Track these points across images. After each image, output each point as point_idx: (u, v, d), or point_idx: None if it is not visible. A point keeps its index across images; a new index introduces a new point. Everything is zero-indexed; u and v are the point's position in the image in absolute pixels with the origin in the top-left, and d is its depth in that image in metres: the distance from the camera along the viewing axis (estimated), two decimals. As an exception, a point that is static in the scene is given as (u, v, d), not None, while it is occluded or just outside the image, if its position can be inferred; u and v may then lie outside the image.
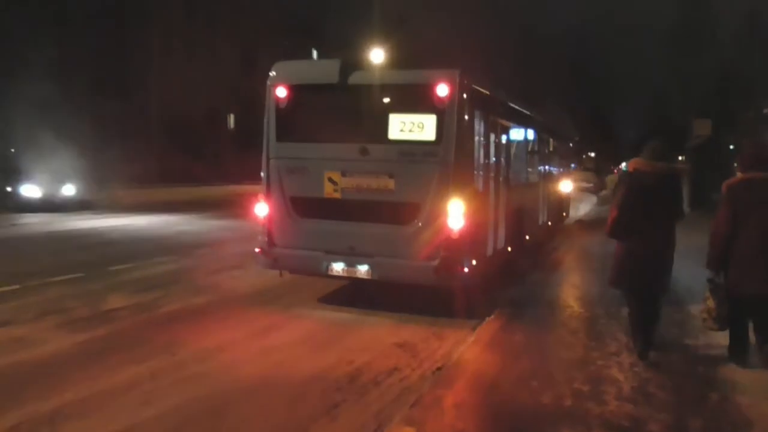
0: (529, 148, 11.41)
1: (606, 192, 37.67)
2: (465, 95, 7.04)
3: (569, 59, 47.71)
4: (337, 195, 7.43)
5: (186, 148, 33.52)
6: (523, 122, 10.57)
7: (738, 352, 5.42)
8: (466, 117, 7.10)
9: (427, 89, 7.00)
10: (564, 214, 16.82)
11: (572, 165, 40.71)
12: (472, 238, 7.24)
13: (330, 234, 7.47)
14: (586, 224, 17.90)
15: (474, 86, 7.34)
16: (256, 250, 7.88)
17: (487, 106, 8.06)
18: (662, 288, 5.68)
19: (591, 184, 34.95)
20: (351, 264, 7.37)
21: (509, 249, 9.29)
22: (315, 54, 43.70)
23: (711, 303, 5.40)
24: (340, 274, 7.48)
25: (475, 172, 7.51)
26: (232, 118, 39.70)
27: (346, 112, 7.54)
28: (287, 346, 6.31)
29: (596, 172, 40.19)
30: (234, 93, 38.01)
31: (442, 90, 6.92)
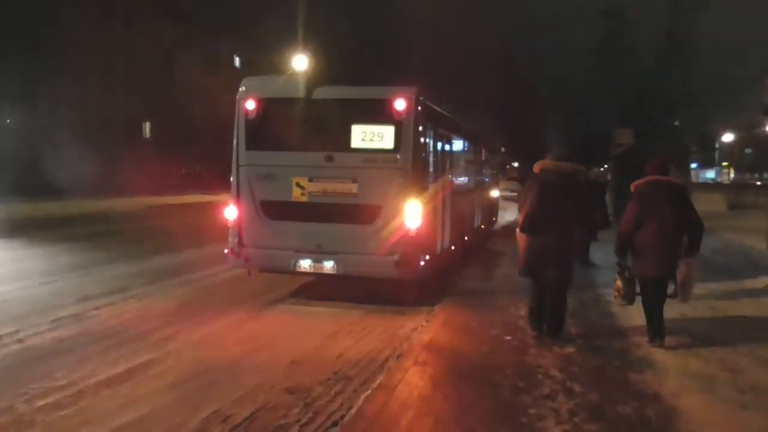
0: (467, 158, 13.15)
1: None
2: (420, 109, 8.56)
3: (496, 74, 50.78)
4: (305, 198, 8.72)
5: (98, 158, 33.42)
6: (462, 134, 12.35)
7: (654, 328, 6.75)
8: (420, 128, 8.61)
9: (387, 103, 8.45)
10: (494, 218, 18.78)
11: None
12: (426, 236, 8.74)
13: (298, 234, 8.74)
14: (512, 229, 19.87)
15: (426, 102, 8.84)
16: (226, 251, 9.03)
17: (436, 119, 9.65)
18: (565, 276, 6.82)
19: (515, 193, 37.36)
20: (318, 260, 8.68)
21: (453, 248, 10.84)
22: (237, 60, 44.57)
23: (620, 283, 6.80)
24: (308, 270, 8.79)
25: (428, 178, 8.99)
26: (147, 126, 39.68)
27: (312, 123, 8.87)
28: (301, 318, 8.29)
29: (521, 182, 42.84)
30: (151, 100, 38.07)
31: (400, 104, 8.39)
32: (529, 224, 6.73)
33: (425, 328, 7.51)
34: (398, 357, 6.39)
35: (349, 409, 5.06)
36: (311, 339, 7.18)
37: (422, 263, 8.60)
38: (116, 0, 36.06)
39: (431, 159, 9.50)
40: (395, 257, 8.41)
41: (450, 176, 10.97)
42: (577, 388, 5.40)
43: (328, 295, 9.31)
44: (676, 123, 35.76)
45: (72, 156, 32.55)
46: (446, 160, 10.72)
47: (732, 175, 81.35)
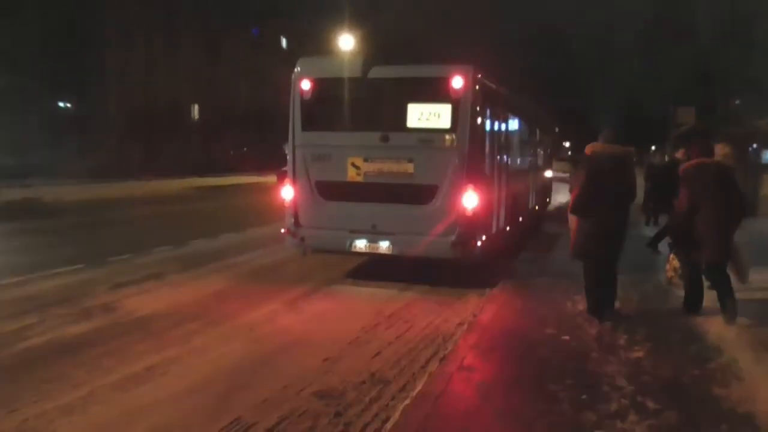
0: (522, 139, 12.96)
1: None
2: (477, 88, 8.52)
3: (547, 56, 49.87)
4: (360, 179, 8.76)
5: (147, 141, 34.24)
6: (519, 115, 12.15)
7: (695, 303, 6.95)
8: (477, 107, 8.57)
9: (443, 82, 8.43)
10: (548, 199, 18.49)
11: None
12: (483, 217, 8.74)
13: (353, 214, 8.80)
14: (565, 211, 19.58)
15: (483, 80, 8.78)
16: (283, 230, 9.16)
17: (492, 99, 9.58)
18: (615, 257, 6.90)
19: (567, 174, 36.74)
20: (373, 241, 8.74)
21: (508, 228, 10.77)
22: (284, 41, 44.89)
23: (676, 263, 7.08)
24: (363, 250, 8.84)
25: (484, 158, 8.93)
26: (196, 109, 40.41)
27: (368, 102, 8.90)
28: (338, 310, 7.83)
29: (572, 163, 42.13)
30: (198, 83, 38.72)
31: (457, 82, 8.35)
32: (581, 206, 6.77)
33: (474, 324, 6.77)
34: (442, 359, 5.70)
35: (385, 421, 4.49)
36: (349, 331, 6.62)
37: (479, 244, 8.57)
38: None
39: (487, 138, 9.37)
40: (452, 238, 8.40)
41: (506, 156, 10.87)
42: (650, 404, 4.60)
43: (378, 276, 9.28)
44: (737, 102, 34.69)
45: (121, 139, 33.50)
46: (502, 139, 10.56)
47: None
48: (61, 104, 34.00)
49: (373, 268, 9.83)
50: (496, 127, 9.96)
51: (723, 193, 6.51)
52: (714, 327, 6.48)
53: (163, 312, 7.37)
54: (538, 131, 15.80)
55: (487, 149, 9.24)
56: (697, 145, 6.97)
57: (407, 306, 7.84)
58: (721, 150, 8.44)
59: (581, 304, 7.26)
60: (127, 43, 34.71)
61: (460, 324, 6.96)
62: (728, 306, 6.51)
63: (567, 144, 69.94)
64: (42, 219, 16.44)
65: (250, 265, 10.46)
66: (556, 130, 24.12)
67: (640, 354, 5.69)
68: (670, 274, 7.27)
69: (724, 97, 35.76)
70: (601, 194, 6.58)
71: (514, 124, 11.71)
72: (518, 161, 12.52)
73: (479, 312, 7.27)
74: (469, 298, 8.28)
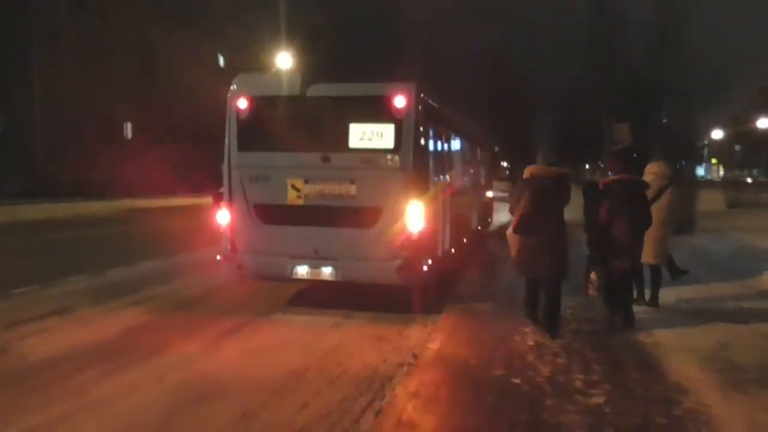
0: (465, 158, 12.80)
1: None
2: (420, 106, 8.24)
3: (485, 74, 50.59)
4: (300, 201, 8.38)
5: (76, 160, 32.80)
6: (461, 134, 11.96)
7: (623, 317, 7.47)
8: (421, 126, 8.29)
9: (386, 100, 8.13)
10: (489, 219, 18.46)
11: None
12: (429, 239, 8.42)
13: (294, 239, 8.41)
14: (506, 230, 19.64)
15: (427, 99, 8.55)
16: (218, 257, 8.68)
17: (436, 117, 9.31)
18: (561, 274, 7.18)
19: (507, 193, 37.15)
20: (315, 267, 8.34)
21: (453, 250, 10.54)
22: (221, 59, 44.10)
23: (593, 276, 7.37)
24: (305, 277, 8.43)
25: (429, 178, 8.69)
26: (129, 127, 39.08)
27: (308, 122, 8.52)
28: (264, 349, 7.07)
29: (512, 182, 42.69)
30: (131, 100, 37.45)
31: (400, 101, 8.08)
32: (522, 226, 7.13)
33: (415, 366, 6.14)
34: (378, 412, 5.01)
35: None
36: (274, 376, 5.82)
37: (425, 268, 8.27)
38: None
39: (431, 158, 9.03)
40: (397, 262, 8.08)
41: (450, 176, 10.66)
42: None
43: (317, 303, 8.87)
44: (664, 120, 35.90)
45: (47, 157, 31.89)
46: (446, 159, 10.29)
47: (721, 172, 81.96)
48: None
49: (313, 295, 9.30)
50: (439, 147, 9.64)
51: (633, 207, 7.17)
52: (673, 357, 6.19)
53: (60, 356, 6.43)
54: (479, 150, 15.70)
55: (431, 169, 8.90)
56: (618, 162, 7.61)
57: (343, 342, 7.12)
58: (653, 168, 8.57)
59: (529, 337, 6.88)
60: (55, 55, 33.09)
61: (401, 365, 6.23)
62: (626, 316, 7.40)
63: (505, 164, 71.30)
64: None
65: (175, 296, 9.56)
66: (496, 149, 24.29)
67: (599, 400, 5.17)
68: (591, 291, 7.48)
69: (654, 113, 36.89)
70: (542, 214, 6.99)
71: (456, 144, 11.50)
72: (461, 181, 12.30)
73: (422, 349, 6.66)
74: (412, 329, 7.71)
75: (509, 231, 7.49)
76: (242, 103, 8.55)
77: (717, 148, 78.98)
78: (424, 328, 7.73)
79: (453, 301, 8.76)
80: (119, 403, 5.29)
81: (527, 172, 7.35)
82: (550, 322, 7.15)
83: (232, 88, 8.67)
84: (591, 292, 7.47)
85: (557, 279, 7.20)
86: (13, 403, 5.23)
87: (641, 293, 8.59)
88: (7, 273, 10.96)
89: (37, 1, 31.92)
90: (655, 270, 8.60)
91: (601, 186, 7.45)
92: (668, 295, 8.98)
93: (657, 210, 8.03)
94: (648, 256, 8.33)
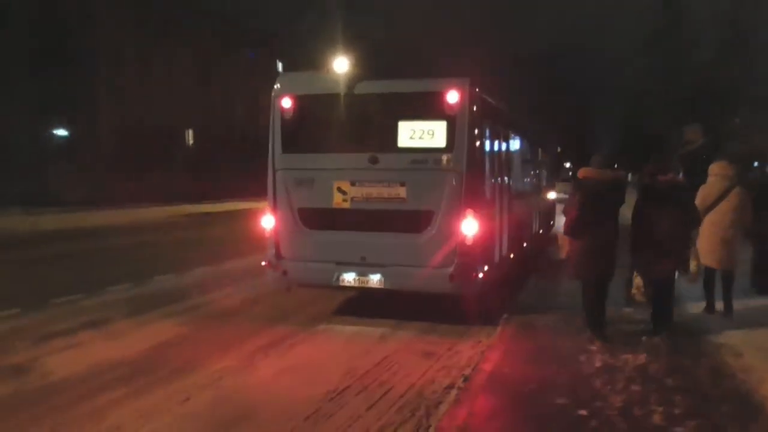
0: (524, 158, 12.09)
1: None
2: (474, 103, 7.64)
3: (544, 74, 49.29)
4: (347, 205, 7.91)
5: (138, 168, 33.41)
6: (520, 133, 11.27)
7: (663, 322, 7.07)
8: (475, 124, 7.68)
9: (437, 97, 7.57)
10: (551, 222, 17.62)
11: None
12: (484, 245, 7.82)
13: (340, 245, 7.95)
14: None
15: (481, 95, 7.95)
16: (264, 263, 8.30)
17: (492, 115, 8.68)
18: (611, 276, 6.97)
19: (567, 195, 35.76)
20: (363, 274, 7.85)
21: (511, 255, 9.89)
22: (280, 66, 44.36)
23: (639, 281, 7.09)
24: (352, 284, 7.94)
25: (484, 180, 8.09)
26: (190, 134, 39.70)
27: (354, 121, 8.04)
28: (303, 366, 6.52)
29: (574, 183, 41.19)
30: (191, 107, 38.06)
31: (453, 97, 7.51)
32: (576, 229, 6.92)
33: (466, 390, 5.39)
34: None
35: None
36: (310, 399, 5.25)
37: (480, 276, 7.71)
38: (152, 8, 35.84)
39: (487, 158, 8.43)
40: (450, 269, 7.53)
41: (507, 178, 10.04)
42: None
43: (366, 312, 8.37)
44: (737, 120, 34.04)
45: (112, 166, 32.64)
46: (503, 159, 9.67)
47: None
48: (54, 131, 33.19)
49: (362, 303, 8.80)
50: (495, 146, 8.99)
51: (672, 209, 6.86)
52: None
53: (84, 374, 5.99)
54: (539, 150, 14.92)
55: (486, 170, 8.28)
56: (655, 163, 7.29)
57: (388, 358, 6.50)
58: (715, 169, 7.96)
59: (597, 356, 6.13)
60: (119, 66, 33.86)
61: (449, 388, 5.58)
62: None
63: (568, 165, 69.31)
64: (4, 250, 15.11)
65: (218, 305, 9.11)
66: (558, 149, 23.34)
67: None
68: (634, 291, 7.20)
69: (727, 114, 35.13)
70: (594, 217, 6.78)
71: (514, 143, 10.83)
72: (520, 183, 11.59)
73: (473, 370, 5.91)
74: (465, 343, 7.09)
75: (561, 233, 7.45)
76: (286, 103, 8.17)
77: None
78: (477, 343, 7.09)
79: (511, 311, 8.07)
80: (136, 430, 4.82)
81: (580, 174, 7.17)
82: (601, 323, 6.97)
83: (276, 87, 8.30)
84: (639, 298, 7.20)
85: (607, 281, 6.99)
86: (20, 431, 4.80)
87: (710, 304, 7.93)
88: (52, 282, 10.75)
89: (103, 20, 32.68)
90: (726, 276, 7.83)
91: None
92: (752, 305, 8.10)
93: (721, 213, 7.59)
94: (714, 260, 7.71)
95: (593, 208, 6.77)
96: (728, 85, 36.12)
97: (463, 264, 7.50)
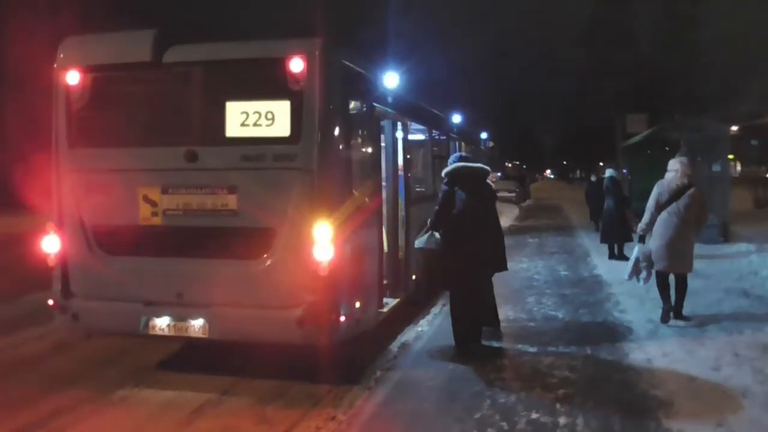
0: (432, 154, 9.85)
1: (530, 202, 37.16)
2: (331, 73, 5.37)
3: (486, 71, 47.44)
4: (158, 221, 5.58)
5: None
6: (424, 121, 9.05)
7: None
8: (334, 103, 5.44)
9: (276, 64, 5.29)
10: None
11: (498, 174, 40.07)
12: (352, 274, 5.56)
13: (149, 277, 5.60)
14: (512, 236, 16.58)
15: (345, 62, 5.68)
16: (50, 302, 5.85)
17: (367, 92, 6.42)
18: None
19: (513, 194, 33.90)
20: (180, 318, 5.52)
21: (414, 277, 7.69)
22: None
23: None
24: (165, 332, 5.58)
25: (349, 182, 5.77)
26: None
27: (165, 102, 5.71)
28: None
29: (519, 180, 39.53)
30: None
31: (297, 65, 5.22)
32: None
33: None
34: None
35: None
36: None
37: (343, 319, 5.43)
38: None
39: (355, 152, 6.26)
40: (297, 311, 5.25)
41: (403, 178, 7.86)
42: None
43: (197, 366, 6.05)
44: (676, 117, 33.08)
45: None
46: (389, 154, 7.58)
47: (738, 168, 78.02)
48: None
49: (202, 350, 6.40)
50: (373, 136, 6.60)
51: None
52: None
53: None
54: (458, 145, 12.81)
55: (354, 169, 5.87)
56: None
57: None
58: (674, 165, 7.25)
59: None
60: None
61: None
62: None
63: (516, 162, 67.92)
64: None
65: (7, 355, 6.68)
66: (491, 144, 21.28)
67: None
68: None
69: (666, 109, 34.14)
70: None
71: (414, 134, 8.68)
72: (424, 185, 9.45)
73: None
74: (315, 417, 4.88)
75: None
76: (73, 78, 5.73)
77: (733, 143, 75.29)
78: (330, 420, 4.81)
79: (391, 362, 5.87)
80: None
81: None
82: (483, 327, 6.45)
83: (59, 56, 5.84)
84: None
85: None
86: None
87: (666, 311, 7.12)
88: None
89: None
90: (680, 280, 7.17)
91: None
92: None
93: (674, 213, 6.94)
94: (668, 263, 7.05)
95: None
96: (667, 78, 35.21)
97: (316, 303, 5.22)
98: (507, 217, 24.53)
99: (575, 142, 53.22)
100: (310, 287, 5.22)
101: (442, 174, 6.48)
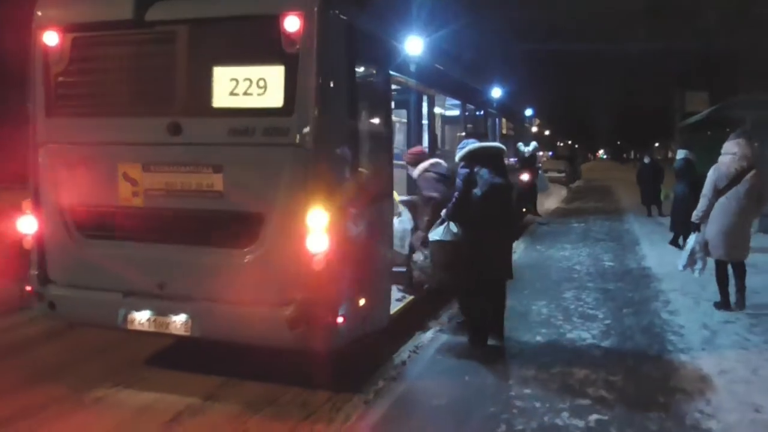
0: (469, 131, 8.97)
1: (579, 183, 35.66)
2: (333, 33, 4.60)
3: (535, 47, 45.41)
4: (139, 201, 4.93)
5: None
6: (459, 93, 8.19)
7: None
8: (337, 69, 4.67)
9: (270, 24, 4.53)
10: (523, 210, 14.50)
11: (548, 153, 38.44)
12: (357, 266, 4.81)
13: (129, 264, 4.98)
14: (558, 217, 15.62)
15: (351, 21, 4.87)
16: (27, 288, 5.30)
17: (384, 58, 5.62)
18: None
19: (562, 174, 32.41)
20: (161, 312, 4.88)
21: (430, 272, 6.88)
22: None
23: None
24: (145, 327, 4.95)
25: (359, 162, 5.00)
26: None
27: (148, 66, 5.00)
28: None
29: (570, 160, 37.95)
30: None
31: (292, 23, 4.45)
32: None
33: None
34: None
35: None
36: None
37: (341, 318, 4.69)
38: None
39: (366, 128, 5.37)
40: (287, 311, 4.55)
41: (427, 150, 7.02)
42: None
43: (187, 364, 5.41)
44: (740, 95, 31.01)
45: None
46: (415, 132, 6.78)
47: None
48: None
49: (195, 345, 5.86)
50: (382, 106, 5.67)
51: None
52: None
53: None
54: (503, 121, 11.87)
55: (361, 147, 5.08)
56: None
57: None
58: (732, 147, 6.70)
59: None
60: None
61: None
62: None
63: (569, 142, 65.49)
64: None
65: None
66: (536, 120, 20.12)
67: None
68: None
69: (728, 88, 32.01)
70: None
71: (442, 104, 7.83)
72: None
73: None
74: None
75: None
76: (51, 39, 5.09)
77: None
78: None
79: (395, 370, 5.14)
80: None
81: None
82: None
83: (36, 16, 5.20)
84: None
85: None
86: None
87: (725, 300, 6.75)
88: None
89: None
90: (738, 267, 6.74)
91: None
92: None
93: (733, 198, 6.49)
94: (726, 251, 6.61)
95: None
96: (733, 56, 33.03)
97: (308, 301, 4.50)
98: (554, 199, 23.45)
99: (629, 121, 50.97)
100: (302, 282, 4.51)
101: (457, 158, 5.71)
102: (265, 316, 4.61)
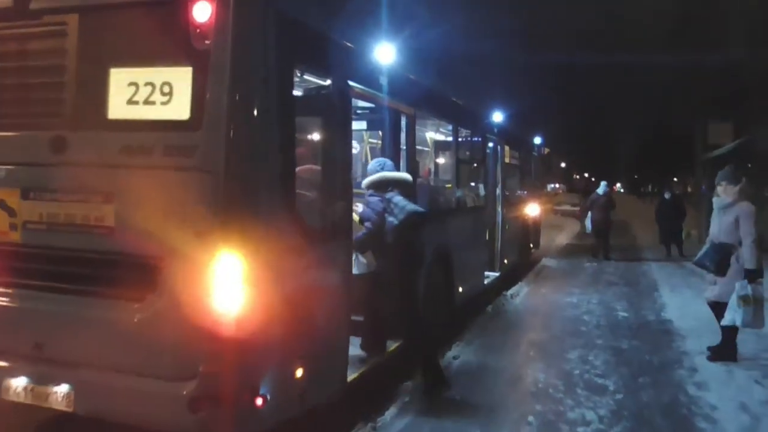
0: (462, 158, 7.89)
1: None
2: (256, 26, 3.58)
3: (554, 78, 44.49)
4: (16, 236, 3.92)
5: None
6: (448, 114, 7.16)
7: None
8: (261, 72, 3.62)
9: (175, 13, 3.53)
10: (530, 246, 13.34)
11: (555, 185, 37.24)
12: (284, 328, 3.71)
13: (2, 317, 3.90)
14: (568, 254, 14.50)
15: (285, 15, 3.84)
16: None
17: (340, 65, 4.58)
18: None
19: (576, 207, 31.12)
20: (40, 380, 3.81)
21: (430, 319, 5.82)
22: None
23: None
24: (21, 398, 3.89)
25: (292, 190, 3.90)
26: None
27: (32, 66, 4.00)
28: None
29: (584, 193, 36.62)
30: None
31: (202, 11, 3.44)
32: None
33: None
34: None
35: None
36: None
37: (259, 401, 3.59)
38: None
39: (309, 150, 4.42)
40: (188, 387, 3.45)
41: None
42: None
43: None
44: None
45: None
46: (391, 155, 5.73)
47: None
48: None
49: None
50: (338, 125, 4.54)
51: None
52: None
53: None
54: (506, 149, 10.77)
55: (304, 172, 4.25)
56: None
57: None
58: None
59: None
60: None
61: None
62: None
63: (586, 174, 64.07)
64: None
65: None
66: (546, 151, 19.04)
67: None
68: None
69: (753, 119, 30.71)
70: None
71: (429, 131, 6.79)
72: (447, 194, 7.51)
73: None
74: None
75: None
76: None
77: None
78: None
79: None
80: None
81: None
82: None
83: None
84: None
85: None
86: None
87: None
88: None
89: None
90: None
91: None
92: None
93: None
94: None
95: None
96: (759, 86, 31.78)
97: (215, 376, 3.40)
98: (566, 234, 22.20)
99: (648, 153, 49.59)
100: (207, 350, 3.43)
101: (363, 185, 5.22)
102: (161, 393, 3.53)
